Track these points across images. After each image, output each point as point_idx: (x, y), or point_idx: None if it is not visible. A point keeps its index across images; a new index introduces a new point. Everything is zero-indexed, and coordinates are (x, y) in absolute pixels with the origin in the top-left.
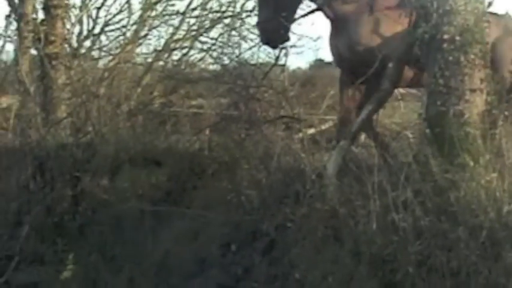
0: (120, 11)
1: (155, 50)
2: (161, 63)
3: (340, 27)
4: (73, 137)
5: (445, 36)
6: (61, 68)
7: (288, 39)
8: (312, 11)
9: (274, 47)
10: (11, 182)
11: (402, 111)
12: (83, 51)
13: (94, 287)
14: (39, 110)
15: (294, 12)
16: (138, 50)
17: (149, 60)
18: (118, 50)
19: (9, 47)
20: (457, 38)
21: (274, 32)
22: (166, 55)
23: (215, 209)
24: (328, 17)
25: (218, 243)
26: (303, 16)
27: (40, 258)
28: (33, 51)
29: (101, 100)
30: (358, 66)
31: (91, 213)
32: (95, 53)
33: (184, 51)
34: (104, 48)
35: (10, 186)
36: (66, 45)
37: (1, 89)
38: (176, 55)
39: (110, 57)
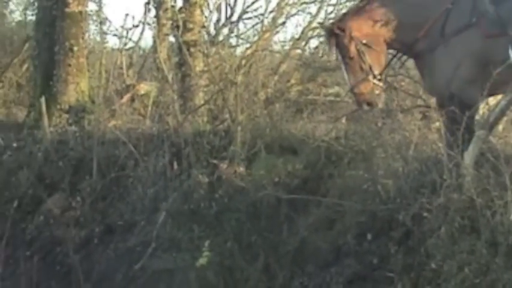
0: None
1: (292, 38)
2: (298, 51)
3: (419, 67)
4: (210, 124)
5: None
6: (199, 56)
7: (383, 97)
8: (394, 57)
9: (373, 107)
10: (148, 169)
11: None
12: (220, 38)
13: (230, 274)
14: (177, 97)
15: (382, 68)
16: (275, 37)
17: (286, 48)
18: (255, 38)
19: (148, 34)
20: None
21: (370, 93)
22: (303, 43)
23: (351, 197)
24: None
25: (354, 232)
26: (386, 66)
27: (176, 245)
28: (171, 39)
29: (238, 88)
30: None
31: (227, 200)
32: (233, 41)
33: (322, 39)
34: (242, 36)
35: (148, 172)
36: (204, 33)
37: (139, 75)
38: (313, 43)
39: (248, 45)
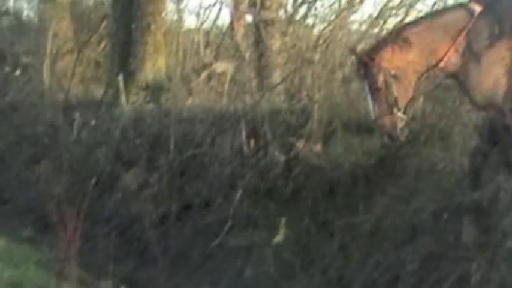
0: None
1: (370, 17)
2: (376, 30)
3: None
4: (287, 102)
5: None
6: (276, 34)
7: (406, 131)
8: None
9: (395, 141)
10: (225, 147)
11: None
12: (298, 17)
13: (306, 251)
14: (254, 75)
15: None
16: (352, 17)
17: (364, 27)
18: (333, 17)
19: (225, 13)
20: None
21: (393, 127)
22: (381, 22)
23: (427, 176)
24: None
25: (430, 210)
26: (411, 101)
27: (253, 222)
28: (248, 17)
29: (315, 66)
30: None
31: (303, 178)
32: (310, 20)
33: (400, 18)
34: (319, 15)
35: (224, 150)
36: (281, 11)
37: (217, 54)
38: (391, 22)
39: (325, 24)
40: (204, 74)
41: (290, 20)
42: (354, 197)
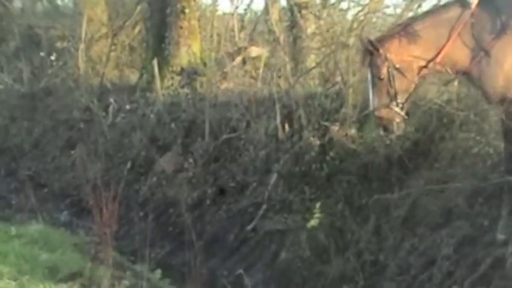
0: None
1: (405, 0)
2: (411, 13)
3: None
4: (322, 86)
5: None
6: (310, 18)
7: (402, 127)
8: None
9: (389, 133)
10: (260, 131)
11: None
12: (332, 1)
13: (340, 235)
14: (289, 59)
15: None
16: (387, 0)
17: (398, 11)
18: (367, 0)
19: None
20: None
21: (389, 120)
22: (416, 6)
23: (462, 160)
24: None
25: (465, 194)
26: (409, 98)
27: (287, 206)
28: (283, 1)
29: (349, 50)
30: None
31: (338, 162)
32: (344, 4)
33: (435, 1)
34: None
35: (259, 134)
36: None
37: (251, 38)
38: (426, 6)
39: (359, 8)
40: (238, 58)
41: (324, 3)
42: (389, 180)
